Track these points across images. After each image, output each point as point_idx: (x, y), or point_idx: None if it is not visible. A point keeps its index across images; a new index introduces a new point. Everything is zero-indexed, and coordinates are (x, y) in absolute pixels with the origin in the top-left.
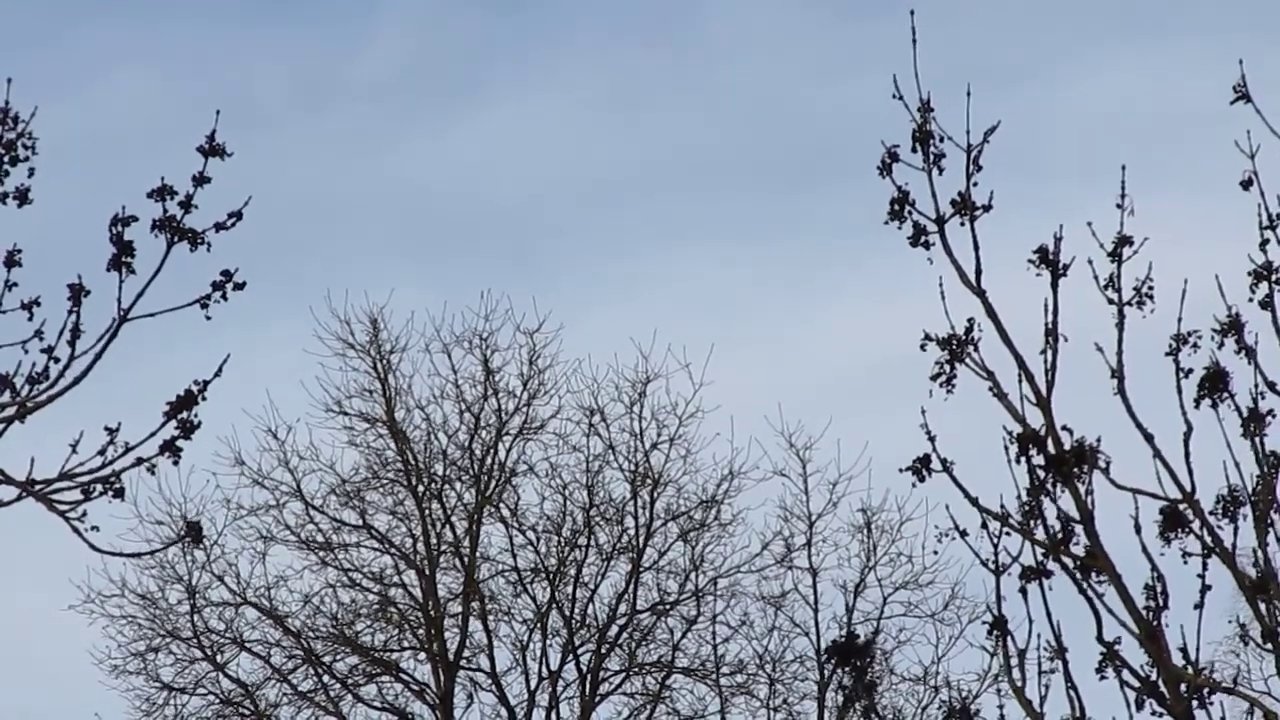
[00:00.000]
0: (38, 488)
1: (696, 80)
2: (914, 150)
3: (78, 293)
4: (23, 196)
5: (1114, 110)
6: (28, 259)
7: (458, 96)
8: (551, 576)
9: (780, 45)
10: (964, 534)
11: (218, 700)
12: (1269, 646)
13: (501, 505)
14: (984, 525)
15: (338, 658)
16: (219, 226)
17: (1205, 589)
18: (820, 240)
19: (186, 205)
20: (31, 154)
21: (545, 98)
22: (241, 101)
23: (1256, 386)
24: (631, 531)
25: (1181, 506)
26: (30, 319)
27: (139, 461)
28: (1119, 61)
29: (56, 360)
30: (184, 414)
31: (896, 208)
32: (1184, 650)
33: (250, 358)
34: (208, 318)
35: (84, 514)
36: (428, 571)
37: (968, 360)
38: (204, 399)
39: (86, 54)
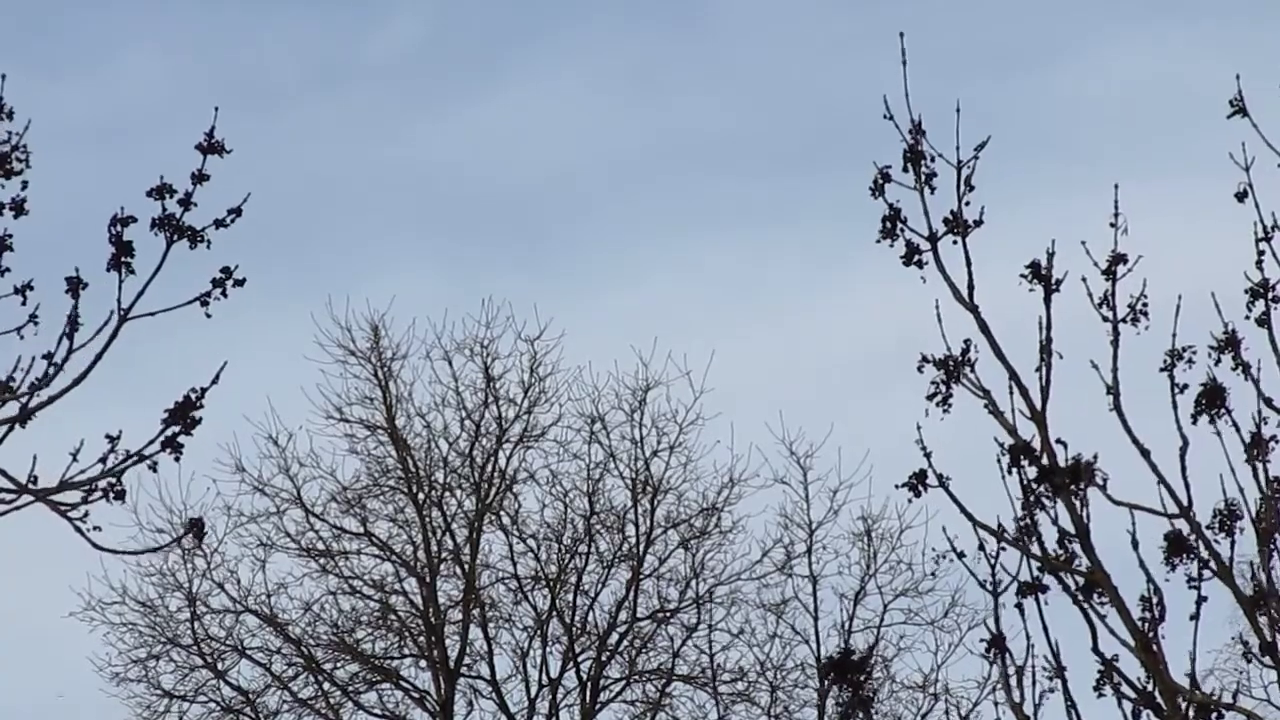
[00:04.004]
0: (39, 491)
1: (712, 62)
2: (905, 170)
3: (75, 285)
4: (19, 208)
5: (1136, 91)
6: (36, 248)
7: (472, 78)
8: (552, 584)
9: (795, 27)
10: (961, 555)
11: (218, 707)
12: (1268, 660)
13: (502, 513)
14: (981, 546)
15: (338, 665)
16: (218, 224)
17: (1201, 600)
18: (833, 224)
19: (186, 203)
20: (26, 166)
21: (559, 80)
22: (253, 82)
23: (1260, 411)
24: (632, 539)
25: (1178, 522)
26: (24, 303)
27: (141, 459)
28: (1142, 42)
29: (56, 366)
30: (182, 421)
31: (889, 226)
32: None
33: (251, 363)
34: (208, 315)
35: (86, 514)
36: (428, 579)
37: (964, 380)
38: (202, 405)
39: (96, 36)
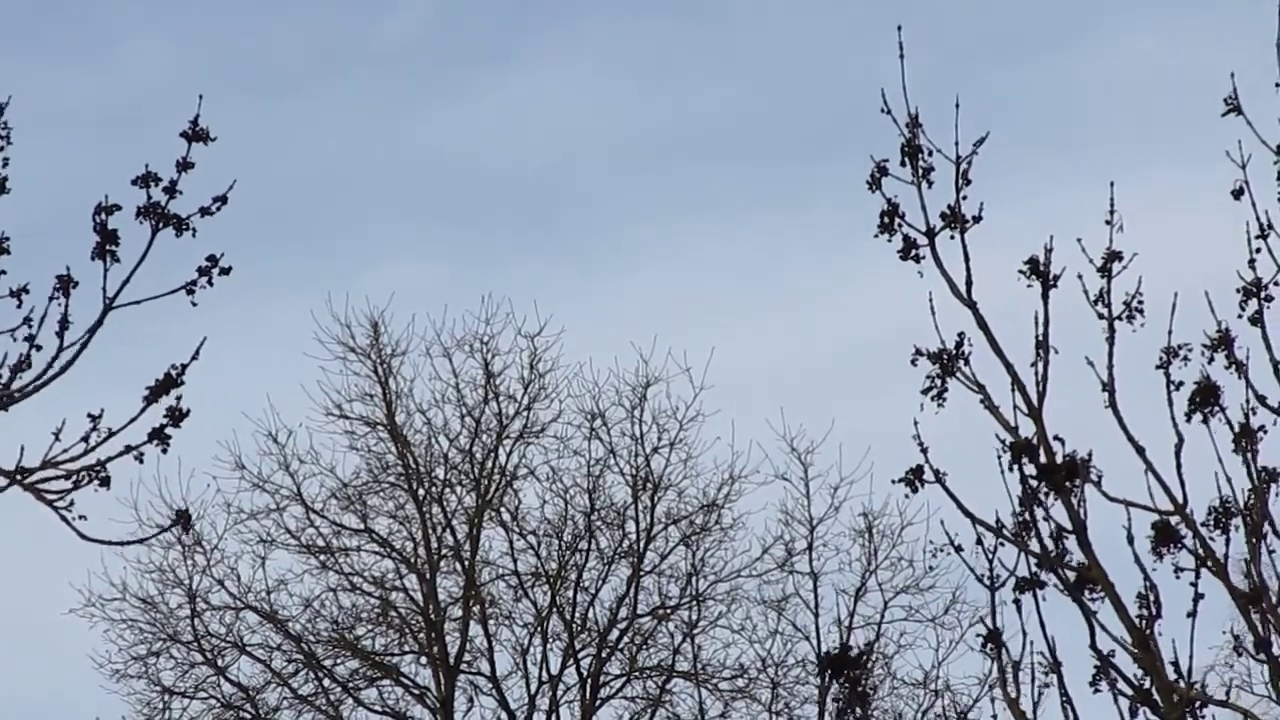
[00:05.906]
0: (24, 477)
1: (719, 50)
2: (903, 164)
3: (66, 284)
4: (0, 185)
5: (1133, 84)
6: (40, 238)
7: (478, 65)
8: (552, 580)
9: (803, 14)
10: (959, 549)
11: (218, 704)
12: (1262, 657)
13: (502, 509)
14: (979, 541)
15: (338, 662)
16: (204, 211)
17: (1198, 598)
18: (837, 215)
19: (171, 191)
20: (6, 143)
21: (566, 68)
22: (260, 69)
23: (1248, 401)
24: (632, 535)
25: (1173, 519)
26: (19, 306)
27: (127, 450)
28: (1139, 35)
29: (39, 349)
30: (164, 398)
31: (886, 220)
32: (1175, 664)
33: (250, 359)
34: (194, 304)
35: (71, 503)
36: (428, 575)
37: (959, 375)
38: (183, 382)
39: (103, 22)
